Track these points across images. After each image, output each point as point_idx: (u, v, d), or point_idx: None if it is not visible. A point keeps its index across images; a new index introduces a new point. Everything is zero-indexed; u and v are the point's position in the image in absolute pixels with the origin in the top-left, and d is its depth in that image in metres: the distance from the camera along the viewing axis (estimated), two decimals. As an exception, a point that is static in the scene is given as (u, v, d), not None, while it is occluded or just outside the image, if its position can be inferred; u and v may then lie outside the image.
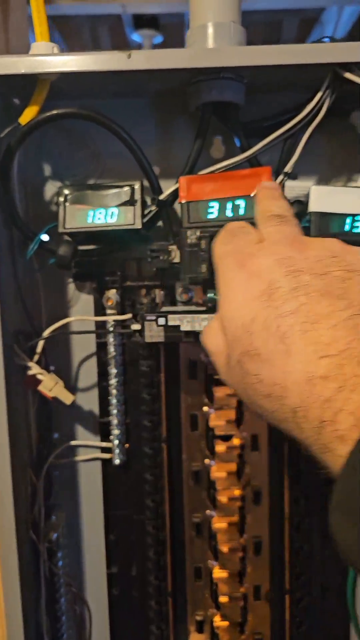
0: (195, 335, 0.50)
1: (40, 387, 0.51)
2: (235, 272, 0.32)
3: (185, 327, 0.50)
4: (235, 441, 0.60)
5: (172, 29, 2.31)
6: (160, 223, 0.55)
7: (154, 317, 0.49)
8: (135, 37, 2.16)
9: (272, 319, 0.28)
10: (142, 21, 2.04)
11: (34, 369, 0.52)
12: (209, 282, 0.50)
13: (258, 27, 2.67)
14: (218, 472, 0.60)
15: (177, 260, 0.51)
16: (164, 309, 0.53)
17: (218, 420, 0.60)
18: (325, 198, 0.48)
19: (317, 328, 0.26)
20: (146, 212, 0.53)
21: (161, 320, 0.49)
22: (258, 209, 0.39)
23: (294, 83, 0.52)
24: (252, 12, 2.27)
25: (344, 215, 0.48)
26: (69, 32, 2.51)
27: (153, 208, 0.53)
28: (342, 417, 0.24)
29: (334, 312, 0.26)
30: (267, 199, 0.39)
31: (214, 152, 0.58)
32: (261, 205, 0.39)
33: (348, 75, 0.47)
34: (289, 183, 0.54)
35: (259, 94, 0.55)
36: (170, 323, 0.50)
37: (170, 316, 0.50)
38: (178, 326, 0.50)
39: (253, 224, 0.49)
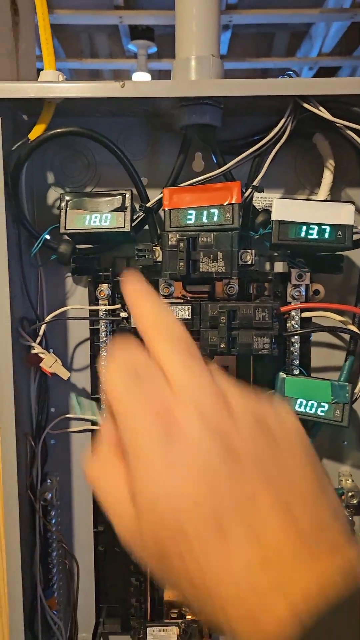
0: (174, 322, 0.59)
1: (42, 364, 0.60)
2: (156, 443, 0.24)
3: (165, 315, 0.59)
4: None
5: (167, 40, 2.41)
6: (146, 226, 0.63)
7: (139, 306, 0.58)
8: (131, 47, 2.25)
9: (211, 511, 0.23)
10: (137, 32, 2.13)
11: (37, 349, 0.60)
12: (186, 278, 0.59)
13: (250, 40, 2.77)
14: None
15: (159, 259, 0.60)
16: (149, 300, 0.62)
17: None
18: (285, 209, 0.57)
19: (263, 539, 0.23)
20: (135, 217, 0.61)
21: (145, 309, 0.58)
22: (141, 323, 0.28)
23: (263, 108, 0.61)
24: (245, 26, 2.37)
25: (300, 224, 0.57)
26: (66, 40, 2.60)
27: (140, 214, 0.61)
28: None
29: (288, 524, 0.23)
30: (146, 307, 0.28)
31: (195, 166, 0.66)
32: (145, 320, 0.28)
33: (306, 105, 0.56)
34: (257, 195, 0.63)
35: (234, 117, 0.64)
36: (153, 311, 0.59)
37: (153, 305, 0.59)
38: (160, 314, 0.59)
39: (226, 230, 0.58)
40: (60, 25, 2.23)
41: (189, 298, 0.67)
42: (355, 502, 0.67)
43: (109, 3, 2.08)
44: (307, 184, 0.67)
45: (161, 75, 2.75)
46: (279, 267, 0.68)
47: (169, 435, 0.24)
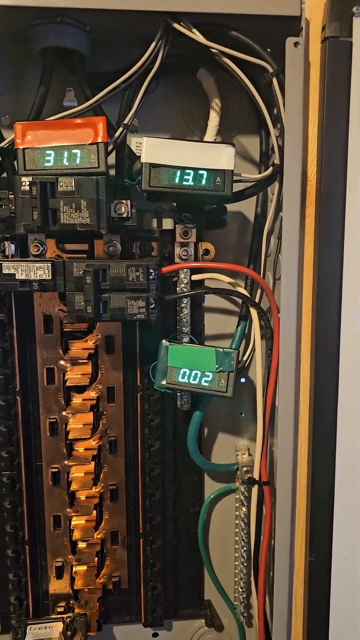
0: (30, 283, 0.50)
1: None
2: None
3: (20, 275, 0.50)
4: (91, 393, 0.61)
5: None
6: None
7: (-14, 265, 0.49)
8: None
9: None
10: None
11: None
12: (44, 230, 0.50)
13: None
14: (74, 423, 0.61)
15: (16, 208, 0.51)
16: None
17: (74, 374, 0.61)
18: (157, 150, 0.49)
19: None
20: (-14, 159, 0.52)
21: (-6, 268, 0.49)
22: None
23: (136, 35, 0.52)
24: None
25: (174, 168, 0.49)
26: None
27: (-6, 156, 0.52)
28: None
29: None
30: None
31: (68, 102, 0.57)
32: None
33: (176, 26, 0.48)
34: (136, 138, 0.55)
35: (108, 47, 0.55)
36: (5, 271, 0.50)
37: (4, 264, 0.50)
38: (14, 274, 0.50)
39: (90, 174, 0.49)
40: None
41: (64, 259, 0.59)
42: (248, 476, 0.62)
43: None
44: (195, 128, 0.59)
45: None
46: (168, 224, 0.60)
47: None
